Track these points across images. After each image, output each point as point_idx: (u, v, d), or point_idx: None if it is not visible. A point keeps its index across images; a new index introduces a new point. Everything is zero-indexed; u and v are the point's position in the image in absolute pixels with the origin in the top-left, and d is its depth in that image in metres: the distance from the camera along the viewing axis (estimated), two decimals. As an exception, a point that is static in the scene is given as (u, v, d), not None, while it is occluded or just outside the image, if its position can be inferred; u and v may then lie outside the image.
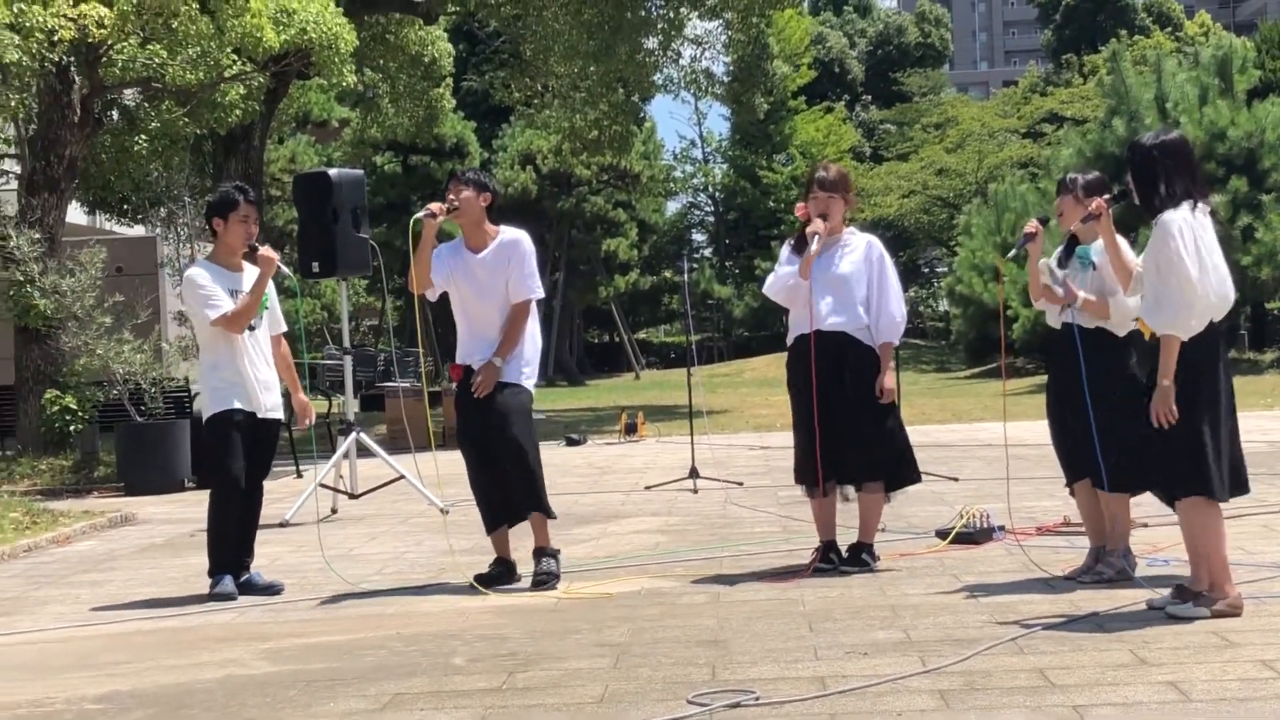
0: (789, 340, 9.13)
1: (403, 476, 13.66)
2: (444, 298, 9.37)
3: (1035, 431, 12.78)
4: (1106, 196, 7.86)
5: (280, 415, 9.49)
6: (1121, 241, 7.95)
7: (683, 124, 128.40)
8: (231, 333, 9.17)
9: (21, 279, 18.44)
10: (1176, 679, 5.93)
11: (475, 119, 58.10)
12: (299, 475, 16.80)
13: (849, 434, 8.84)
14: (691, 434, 15.78)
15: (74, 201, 22.28)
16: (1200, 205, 7.19)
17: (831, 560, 9.00)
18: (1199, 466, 7.03)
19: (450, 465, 12.90)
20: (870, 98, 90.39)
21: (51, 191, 19.20)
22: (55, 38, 17.15)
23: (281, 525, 12.60)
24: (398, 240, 50.09)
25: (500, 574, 9.06)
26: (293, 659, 7.24)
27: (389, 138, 39.69)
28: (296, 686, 6.59)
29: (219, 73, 18.76)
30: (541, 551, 9.02)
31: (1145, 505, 8.55)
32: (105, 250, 19.09)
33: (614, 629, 7.55)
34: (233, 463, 9.16)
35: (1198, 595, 7.12)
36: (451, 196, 9.06)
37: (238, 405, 9.16)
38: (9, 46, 16.57)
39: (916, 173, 65.94)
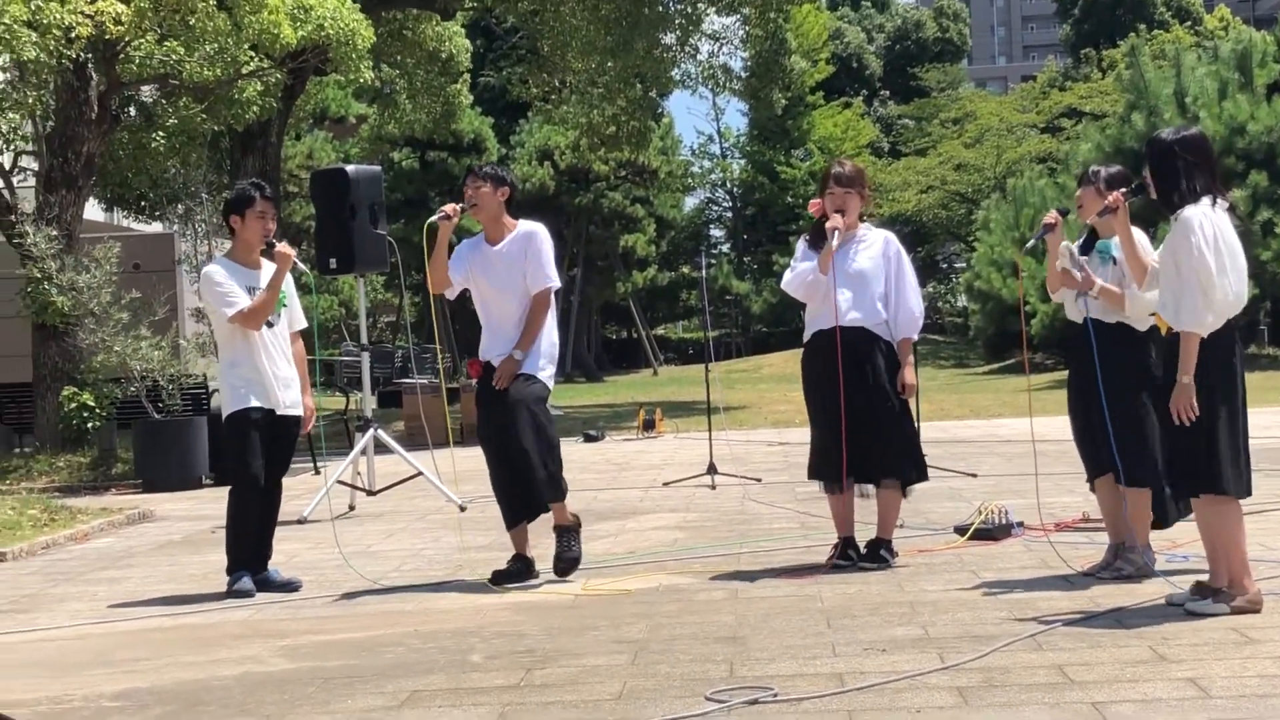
0: (806, 336, 9.12)
1: (420, 473, 13.66)
2: (463, 294, 9.38)
3: (1055, 427, 12.75)
4: (1123, 190, 7.82)
5: (299, 412, 9.48)
6: (1139, 236, 7.92)
7: (700, 119, 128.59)
8: (249, 329, 9.17)
9: (39, 276, 18.47)
10: (1196, 675, 5.90)
11: (493, 115, 58.10)
12: (317, 472, 16.81)
13: (869, 430, 8.82)
14: (710, 430, 15.76)
15: (92, 198, 22.32)
16: (1219, 201, 7.16)
17: (850, 556, 8.99)
18: (1217, 464, 7.00)
19: (468, 462, 12.92)
20: (888, 93, 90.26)
21: (69, 188, 19.22)
22: (73, 35, 17.16)
23: (299, 522, 12.60)
24: (415, 236, 49.69)
25: (519, 570, 9.05)
26: (311, 656, 7.24)
27: (406, 134, 39.75)
28: (314, 684, 6.58)
29: (236, 69, 18.77)
30: (563, 529, 9.01)
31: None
32: (120, 246, 19.08)
33: (632, 626, 7.54)
34: (252, 460, 9.16)
35: (1217, 591, 7.09)
36: (470, 193, 9.08)
37: (256, 403, 9.16)
38: (26, 44, 16.59)
39: (935, 168, 65.81)
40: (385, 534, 11.99)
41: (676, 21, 29.10)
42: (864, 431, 8.82)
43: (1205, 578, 7.28)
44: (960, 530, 10.02)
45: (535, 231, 9.12)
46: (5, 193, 19.71)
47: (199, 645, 7.69)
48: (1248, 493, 7.19)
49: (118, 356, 17.99)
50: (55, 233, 18.63)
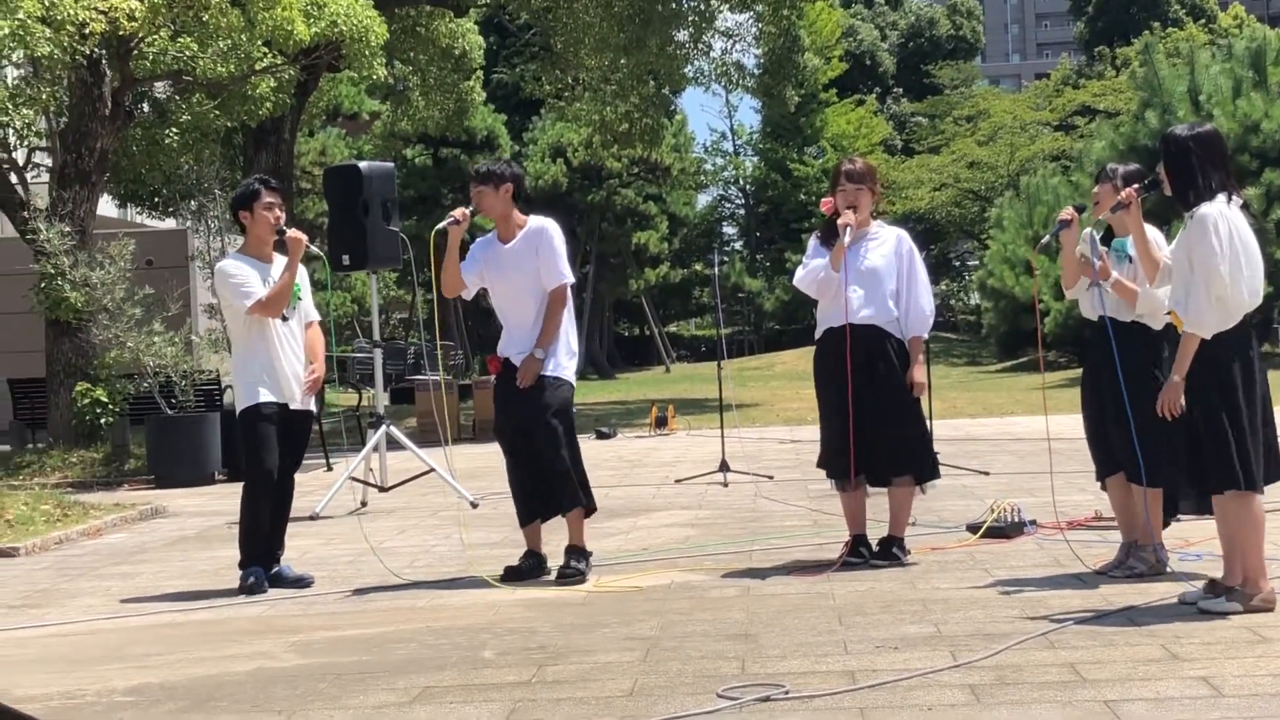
0: (817, 333, 9.12)
1: (433, 470, 13.67)
2: (477, 295, 9.40)
3: (1068, 425, 12.75)
4: (1136, 186, 7.81)
5: (312, 407, 9.50)
6: (1153, 233, 7.91)
7: (713, 117, 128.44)
8: (269, 317, 9.18)
9: (53, 272, 18.49)
10: (1208, 674, 5.89)
11: (506, 112, 58.08)
12: (329, 468, 16.83)
13: (879, 427, 8.82)
14: (722, 427, 15.76)
15: (105, 194, 22.34)
16: (1234, 198, 7.15)
17: (862, 554, 8.98)
18: (1235, 460, 6.99)
19: (479, 459, 12.93)
20: (901, 90, 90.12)
21: (82, 184, 19.24)
22: (86, 30, 17.17)
23: (312, 518, 12.62)
24: (428, 233, 49.92)
25: (531, 567, 9.06)
26: (323, 652, 7.25)
27: (419, 130, 39.72)
28: (326, 679, 6.59)
29: (249, 65, 18.78)
30: (574, 550, 9.01)
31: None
32: (134, 242, 19.10)
33: (643, 623, 7.54)
34: (267, 455, 9.17)
35: (1230, 590, 7.08)
36: (474, 199, 9.09)
37: (270, 398, 9.17)
38: (40, 39, 16.61)
39: (948, 166, 65.72)
40: (397, 530, 12.00)
41: (689, 18, 29.08)
42: (875, 429, 8.82)
43: (1219, 575, 7.27)
44: (973, 528, 10.01)
45: (545, 227, 9.10)
46: (19, 189, 19.74)
47: (211, 640, 7.70)
48: (1264, 484, 7.18)
49: (131, 352, 18.02)
50: (68, 229, 18.66)
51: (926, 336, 9.16)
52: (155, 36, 18.44)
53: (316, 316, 9.78)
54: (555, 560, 9.08)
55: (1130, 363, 7.99)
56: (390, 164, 14.68)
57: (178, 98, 21.35)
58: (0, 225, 26.40)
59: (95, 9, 17.19)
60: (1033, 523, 9.95)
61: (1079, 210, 8.43)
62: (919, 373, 8.97)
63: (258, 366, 9.21)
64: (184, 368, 17.99)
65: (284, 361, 9.25)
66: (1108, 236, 8.35)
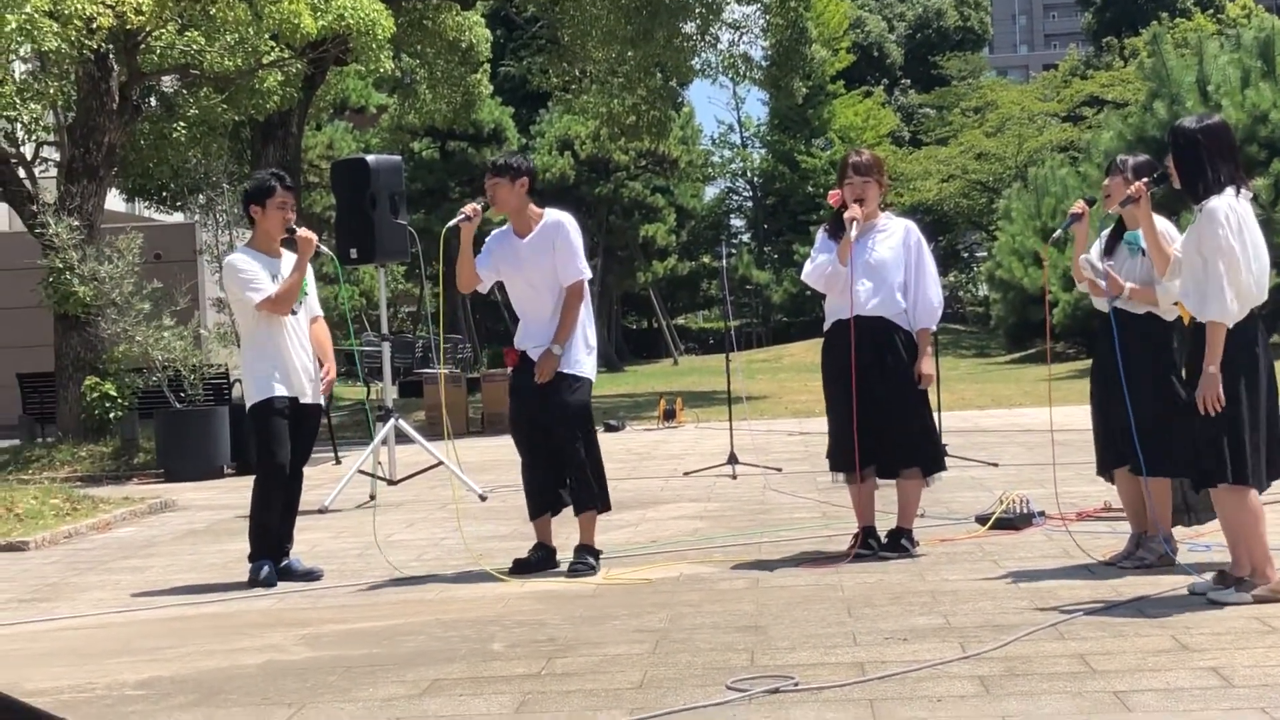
0: (826, 326, 9.11)
1: (441, 463, 13.67)
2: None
3: (1076, 417, 12.70)
4: (1145, 180, 7.80)
5: (321, 401, 9.51)
6: (1165, 225, 7.91)
7: (721, 109, 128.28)
8: (277, 315, 9.18)
9: (61, 266, 18.50)
10: (1218, 664, 5.89)
11: (513, 104, 58.03)
12: (338, 461, 16.84)
13: (887, 419, 8.81)
14: (730, 420, 15.76)
15: (113, 189, 22.37)
16: (1243, 190, 7.15)
17: (871, 546, 8.98)
18: (1238, 453, 6.98)
19: (487, 452, 12.93)
20: (909, 82, 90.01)
21: (90, 179, 19.25)
22: (94, 25, 17.18)
23: (321, 511, 12.63)
24: (436, 226, 49.65)
25: (540, 560, 9.06)
26: (332, 645, 7.26)
27: (427, 124, 39.75)
28: (336, 672, 6.60)
29: (257, 59, 18.79)
30: (584, 548, 9.01)
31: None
32: (142, 236, 19.11)
33: (653, 615, 7.54)
34: (278, 450, 9.19)
35: (1239, 580, 7.08)
36: (489, 192, 9.05)
37: (280, 392, 9.19)
38: (48, 34, 16.61)
39: (956, 157, 65.65)
40: (406, 523, 12.01)
41: (697, 10, 29.03)
42: (882, 422, 8.81)
43: (1227, 567, 7.27)
44: (981, 520, 10.00)
45: (562, 221, 9.06)
46: (27, 183, 19.76)
47: (221, 634, 7.71)
48: (1265, 485, 7.18)
49: (139, 346, 18.03)
50: (77, 223, 18.67)
51: (935, 328, 9.16)
52: (162, 30, 18.45)
53: (320, 312, 9.79)
54: (565, 555, 9.08)
55: (1141, 354, 7.98)
56: (397, 157, 14.69)
57: (185, 92, 21.37)
58: (9, 220, 26.44)
59: (102, 3, 17.19)
60: (1041, 514, 9.94)
61: (1089, 203, 8.43)
62: (927, 365, 8.97)
63: (268, 361, 9.22)
64: (193, 361, 18.00)
65: (293, 356, 9.26)
66: (1119, 229, 8.34)
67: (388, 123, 46.37)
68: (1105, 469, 8.46)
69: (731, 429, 15.43)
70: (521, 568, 9.00)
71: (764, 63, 34.97)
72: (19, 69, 20.10)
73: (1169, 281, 7.78)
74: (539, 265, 8.97)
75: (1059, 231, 8.51)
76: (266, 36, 18.36)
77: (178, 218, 28.41)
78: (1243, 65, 35.02)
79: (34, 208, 19.19)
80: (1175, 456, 7.69)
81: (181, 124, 21.18)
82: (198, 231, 25.82)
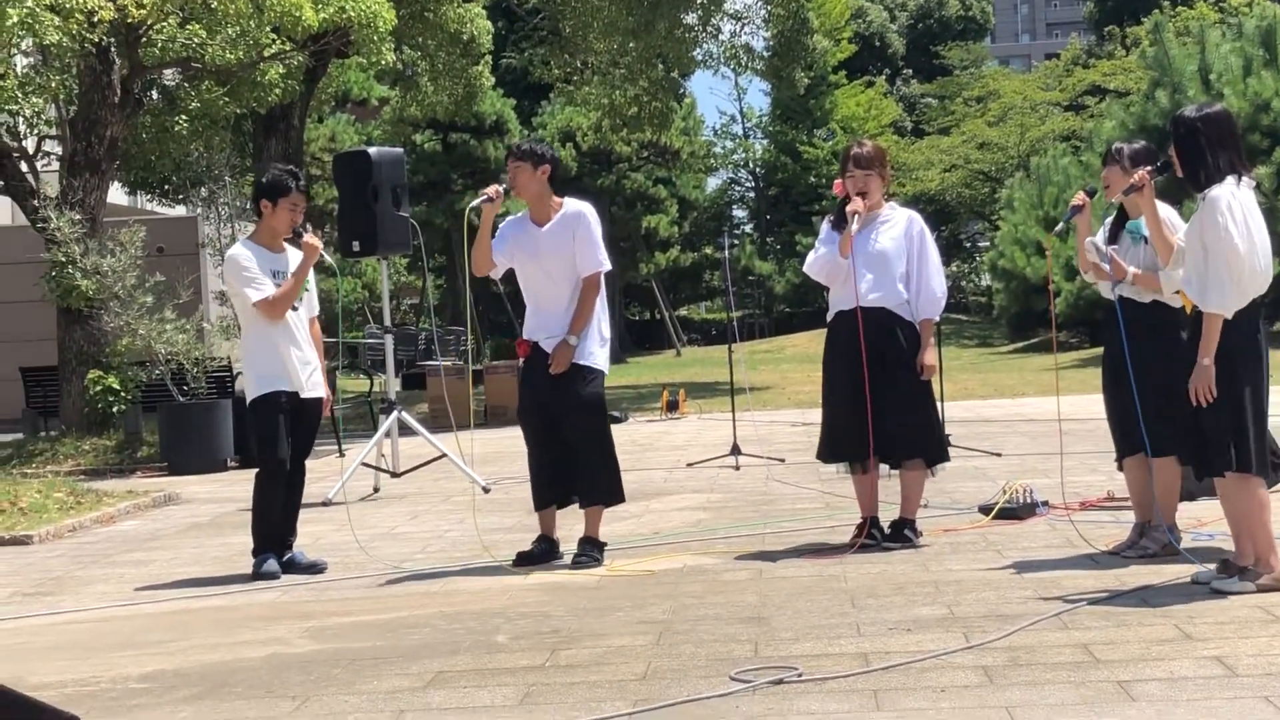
0: (829, 317, 9.11)
1: (444, 455, 13.68)
2: (484, 278, 9.34)
3: (1080, 406, 12.75)
4: (1149, 168, 7.80)
5: (322, 394, 9.50)
6: (1168, 213, 7.90)
7: (723, 99, 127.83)
8: (272, 318, 9.17)
9: (63, 260, 18.50)
10: (1222, 654, 5.89)
11: (515, 96, 57.92)
12: (341, 454, 16.84)
13: (889, 410, 8.81)
14: (733, 410, 15.76)
15: (115, 182, 22.35)
16: (1245, 178, 7.14)
17: (874, 536, 8.98)
18: (1244, 443, 6.98)
19: (491, 444, 12.93)
20: (911, 72, 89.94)
21: (93, 172, 19.25)
22: (95, 18, 17.17)
23: (324, 504, 12.62)
24: (438, 219, 49.99)
25: (544, 552, 9.06)
26: (336, 637, 7.26)
27: (428, 116, 39.64)
28: (340, 665, 6.60)
29: (258, 52, 18.77)
30: (589, 541, 9.00)
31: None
32: (144, 229, 19.12)
33: (656, 606, 7.54)
34: (278, 443, 9.18)
35: (1243, 570, 7.08)
36: (511, 175, 8.99)
37: (281, 386, 9.19)
38: (49, 27, 16.60)
39: (958, 147, 65.57)
40: (409, 516, 12.01)
41: (698, 1, 29.01)
42: (884, 412, 8.81)
43: (1231, 556, 7.26)
44: (985, 510, 10.00)
45: (583, 212, 9.01)
46: (29, 177, 19.75)
47: (225, 627, 7.72)
48: (1273, 479, 7.17)
49: (142, 340, 18.04)
50: (79, 216, 18.66)
51: (938, 319, 9.15)
52: (164, 24, 18.43)
53: (318, 311, 9.78)
54: (569, 547, 9.08)
55: (1148, 342, 7.97)
56: (400, 149, 14.68)
57: (187, 85, 21.36)
58: (11, 214, 26.44)
59: (104, -3, 17.19)
60: (1045, 504, 9.94)
61: (1090, 193, 8.42)
62: (929, 355, 8.96)
63: (268, 356, 9.21)
64: (195, 355, 18.00)
65: (294, 350, 9.25)
66: (1121, 218, 8.33)
67: (389, 115, 46.26)
68: (1122, 458, 8.45)
69: (734, 420, 15.43)
70: (524, 560, 9.00)
71: (766, 53, 34.92)
72: (21, 63, 20.09)
73: (1172, 270, 7.77)
74: (557, 255, 8.91)
75: (1061, 225, 8.50)
76: (268, 29, 18.34)
77: (180, 211, 28.42)
78: (1244, 54, 34.97)
79: (36, 202, 19.19)
80: (1181, 444, 7.69)
81: (183, 117, 21.17)
82: (200, 224, 25.85)
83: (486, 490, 12.99)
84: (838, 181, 9.13)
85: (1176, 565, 7.72)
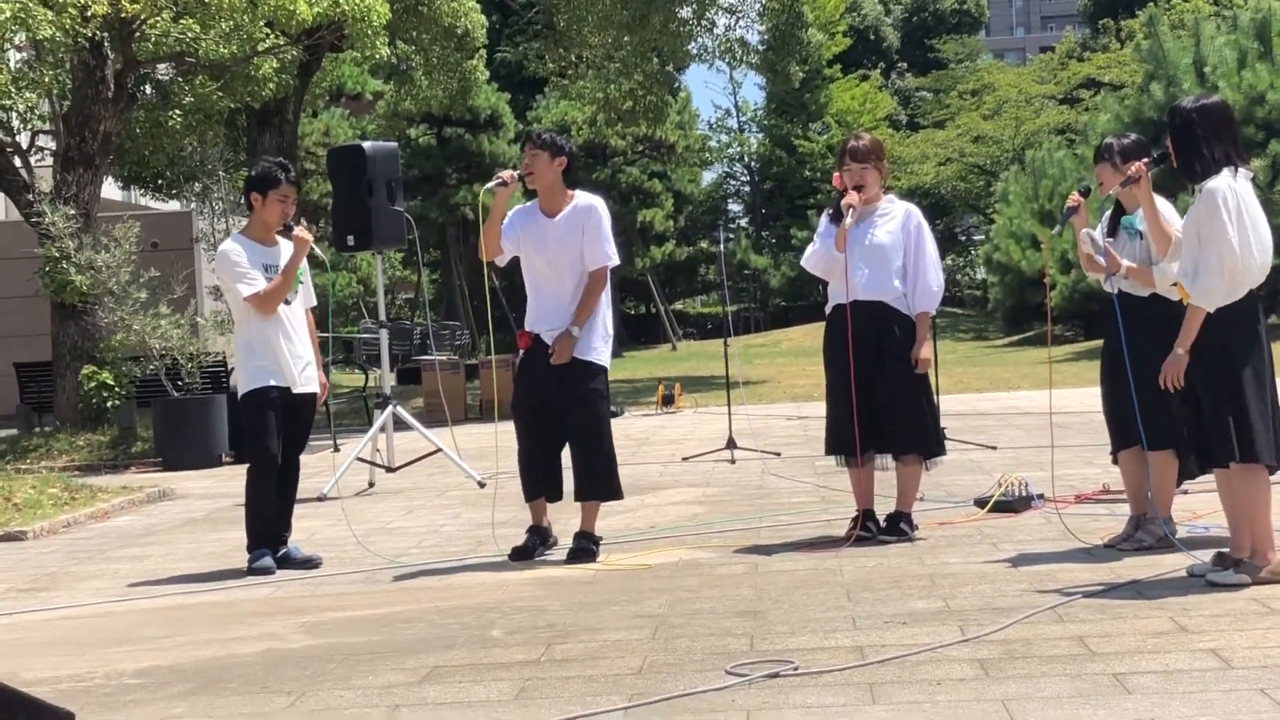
0: (827, 310, 9.10)
1: (440, 449, 13.67)
2: (475, 271, 9.31)
3: (1075, 399, 12.75)
4: (1145, 160, 7.79)
5: (316, 389, 9.48)
6: (1164, 205, 7.89)
7: (718, 93, 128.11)
8: (263, 312, 9.15)
9: (57, 255, 18.49)
10: (1217, 646, 5.89)
11: (509, 90, 57.89)
12: (336, 449, 16.83)
13: (886, 404, 8.80)
14: (729, 404, 15.76)
15: (109, 177, 22.34)
16: (1241, 170, 7.13)
17: (869, 530, 8.97)
18: (1246, 433, 6.97)
19: (486, 439, 12.90)
20: (906, 65, 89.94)
21: (86, 167, 19.23)
22: (88, 13, 17.16)
23: (319, 499, 12.62)
24: (433, 213, 50.00)
25: (537, 544, 9.05)
26: (331, 632, 7.25)
27: (423, 110, 39.59)
28: (335, 659, 6.59)
29: (252, 46, 18.77)
30: (585, 535, 8.99)
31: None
32: (139, 225, 19.11)
33: (652, 600, 7.54)
34: (270, 439, 9.17)
35: (1239, 562, 7.08)
36: (527, 162, 8.94)
37: (273, 381, 9.17)
38: (42, 22, 16.60)
39: (953, 140, 65.64)
40: (405, 511, 12.01)
41: (692, -5, 29.05)
42: (880, 406, 8.80)
43: (1227, 548, 7.26)
44: (980, 503, 10.00)
45: (594, 205, 8.98)
46: (23, 172, 19.74)
47: (220, 623, 7.71)
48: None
49: (137, 335, 18.03)
50: (73, 212, 18.65)
51: (934, 313, 9.14)
52: (157, 18, 18.42)
53: (313, 301, 9.77)
54: (565, 541, 9.08)
55: (1146, 336, 7.95)
56: (394, 144, 14.66)
57: (180, 79, 21.35)
58: (5, 209, 26.42)
59: (97, -9, 17.18)
60: (1040, 497, 9.94)
61: (1084, 192, 8.41)
62: (925, 349, 8.94)
63: (261, 351, 9.19)
64: (190, 350, 18.00)
65: (287, 345, 9.23)
66: (1118, 212, 8.32)
67: (384, 109, 46.25)
68: (1117, 451, 8.44)
69: (730, 414, 15.43)
70: (519, 554, 8.99)
71: (760, 47, 34.94)
72: (14, 57, 20.07)
73: (1169, 263, 7.76)
74: (565, 247, 8.88)
75: (1058, 227, 8.49)
76: (262, 24, 18.34)
77: (174, 206, 28.38)
78: (1239, 46, 35.00)
79: (30, 197, 19.17)
80: (1181, 438, 7.69)
81: (177, 112, 21.16)
82: (194, 219, 25.82)
83: (482, 485, 12.99)
84: (837, 175, 9.11)
85: (1172, 558, 7.72)
